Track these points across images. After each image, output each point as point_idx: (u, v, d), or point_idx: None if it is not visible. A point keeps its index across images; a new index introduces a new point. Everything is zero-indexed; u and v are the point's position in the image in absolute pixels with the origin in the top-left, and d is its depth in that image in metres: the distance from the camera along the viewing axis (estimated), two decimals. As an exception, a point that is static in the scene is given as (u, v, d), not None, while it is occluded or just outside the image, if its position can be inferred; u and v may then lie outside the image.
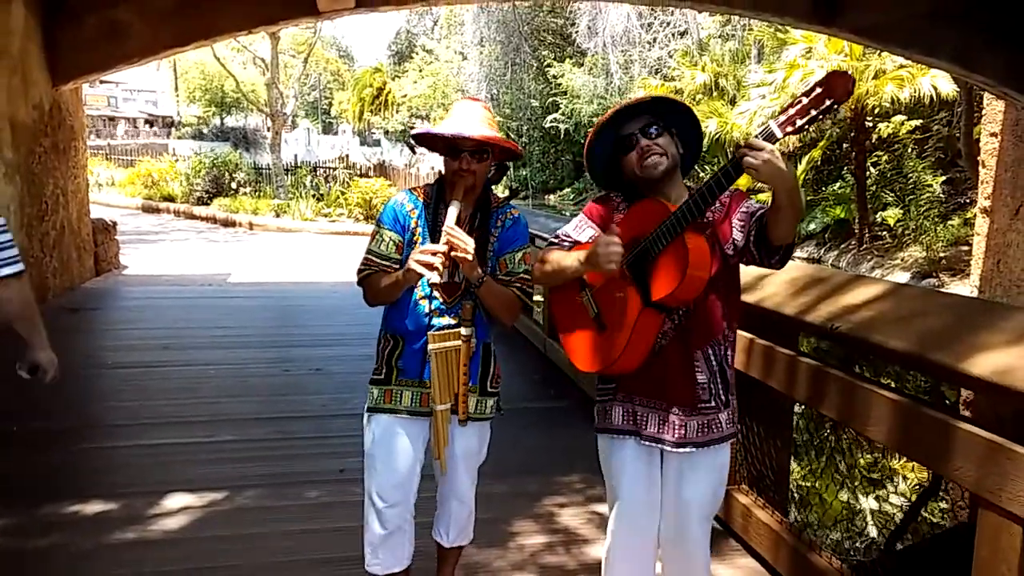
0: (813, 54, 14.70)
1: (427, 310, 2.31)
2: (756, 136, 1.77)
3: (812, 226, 15.69)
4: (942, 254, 12.45)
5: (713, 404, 2.08)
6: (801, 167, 15.38)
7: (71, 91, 8.31)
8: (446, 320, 2.31)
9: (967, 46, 6.77)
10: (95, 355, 6.04)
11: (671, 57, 26.97)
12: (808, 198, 15.54)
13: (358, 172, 22.86)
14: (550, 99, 30.60)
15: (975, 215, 8.29)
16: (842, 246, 15.08)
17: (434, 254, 2.11)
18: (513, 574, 2.98)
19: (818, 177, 16.88)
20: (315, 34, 26.09)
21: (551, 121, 30.38)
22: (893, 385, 2.56)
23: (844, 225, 15.32)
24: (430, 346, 2.28)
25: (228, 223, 18.14)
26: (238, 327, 7.32)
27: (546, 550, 3.16)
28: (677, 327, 2.06)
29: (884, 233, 14.35)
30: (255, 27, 8.22)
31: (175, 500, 3.50)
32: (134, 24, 7.40)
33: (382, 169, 24.80)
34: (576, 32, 30.86)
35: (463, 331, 2.30)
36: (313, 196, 19.68)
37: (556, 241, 2.22)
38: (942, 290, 10.99)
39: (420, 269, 2.11)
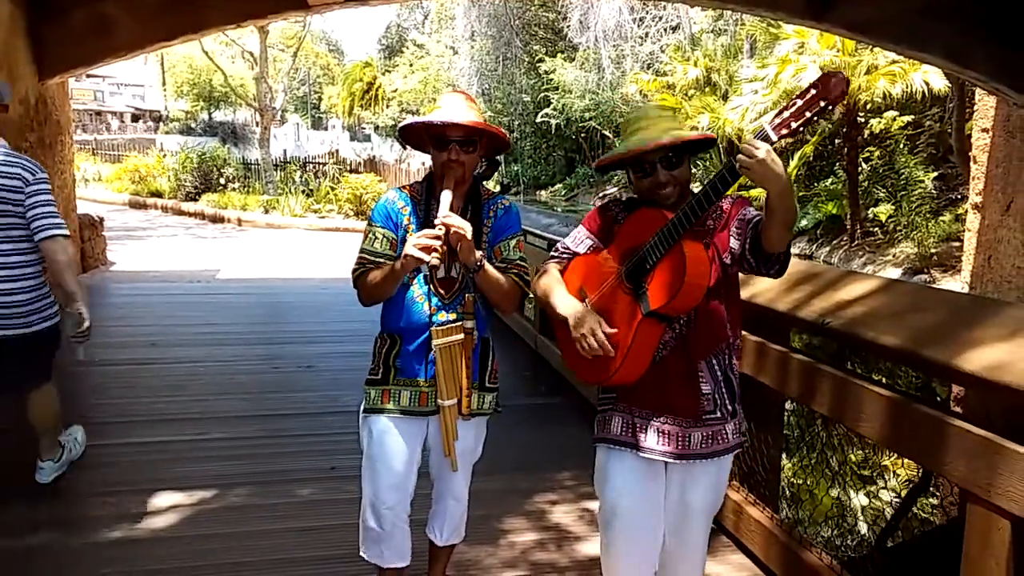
0: (805, 49, 14.70)
1: (425, 308, 2.29)
2: (751, 137, 1.75)
3: (804, 222, 15.72)
4: (933, 250, 12.49)
5: (719, 415, 2.05)
6: (793, 163, 15.39)
7: (57, 85, 8.23)
8: (447, 316, 2.29)
9: (959, 42, 6.77)
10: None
11: (663, 52, 26.96)
12: (800, 194, 15.55)
13: (348, 167, 22.73)
14: (542, 94, 30.53)
15: (966, 211, 8.31)
16: (834, 242, 15.12)
17: (431, 238, 2.09)
18: (504, 571, 2.97)
19: (810, 173, 16.91)
20: (304, 28, 25.98)
21: (543, 116, 30.31)
22: (885, 382, 2.55)
23: (836, 221, 15.36)
24: (434, 341, 2.26)
25: (216, 219, 18.04)
26: (227, 324, 7.28)
27: (537, 547, 3.15)
28: (678, 336, 2.02)
29: (876, 229, 14.39)
30: (244, 21, 8.16)
31: (164, 498, 3.48)
32: (121, 18, 7.33)
33: (372, 164, 24.69)
34: (568, 27, 30.83)
35: (466, 324, 2.29)
36: (303, 192, 19.58)
37: (556, 254, 2.24)
38: (933, 286, 11.04)
39: (418, 253, 2.07)
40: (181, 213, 19.11)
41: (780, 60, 15.36)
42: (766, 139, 1.71)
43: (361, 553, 2.43)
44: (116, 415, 4.60)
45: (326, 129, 46.34)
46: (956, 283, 10.30)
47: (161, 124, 44.17)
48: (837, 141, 16.20)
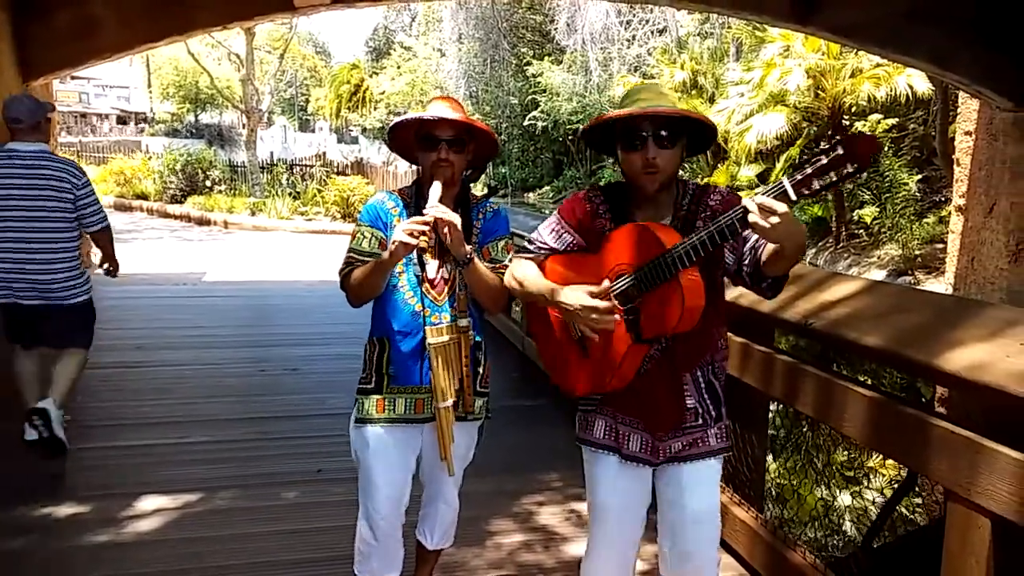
0: (791, 53, 14.80)
1: (417, 309, 2.27)
2: (767, 193, 1.59)
3: (790, 224, 15.76)
4: (917, 252, 12.58)
5: (700, 423, 2.01)
6: (779, 166, 15.50)
7: (42, 87, 8.16)
8: (440, 316, 2.27)
9: (945, 45, 6.82)
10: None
11: (650, 55, 27.06)
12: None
13: (335, 170, 22.71)
14: (529, 97, 30.57)
15: (950, 213, 8.38)
16: (819, 244, 15.21)
17: (419, 223, 2.05)
18: (490, 572, 2.97)
19: (795, 175, 16.96)
20: (291, 30, 25.96)
21: (530, 119, 30.35)
22: (870, 382, 2.57)
23: (821, 223, 15.45)
24: (429, 340, 2.23)
25: (203, 221, 17.97)
26: (214, 327, 7.25)
27: (524, 548, 3.16)
28: (663, 350, 1.96)
29: (861, 231, 14.48)
30: (230, 23, 8.11)
31: (151, 501, 3.46)
32: (107, 19, 7.28)
33: (360, 167, 24.66)
34: (555, 29, 30.89)
35: (461, 322, 2.27)
36: (289, 194, 19.54)
37: (532, 249, 2.11)
38: (917, 287, 11.12)
39: (406, 238, 2.03)
40: (167, 216, 19.02)
41: (765, 63, 15.47)
42: (784, 195, 1.56)
43: (354, 569, 2.40)
44: (102, 418, 4.58)
45: (313, 131, 46.15)
46: (940, 285, 10.38)
47: (147, 126, 43.84)
48: (823, 144, 16.26)
